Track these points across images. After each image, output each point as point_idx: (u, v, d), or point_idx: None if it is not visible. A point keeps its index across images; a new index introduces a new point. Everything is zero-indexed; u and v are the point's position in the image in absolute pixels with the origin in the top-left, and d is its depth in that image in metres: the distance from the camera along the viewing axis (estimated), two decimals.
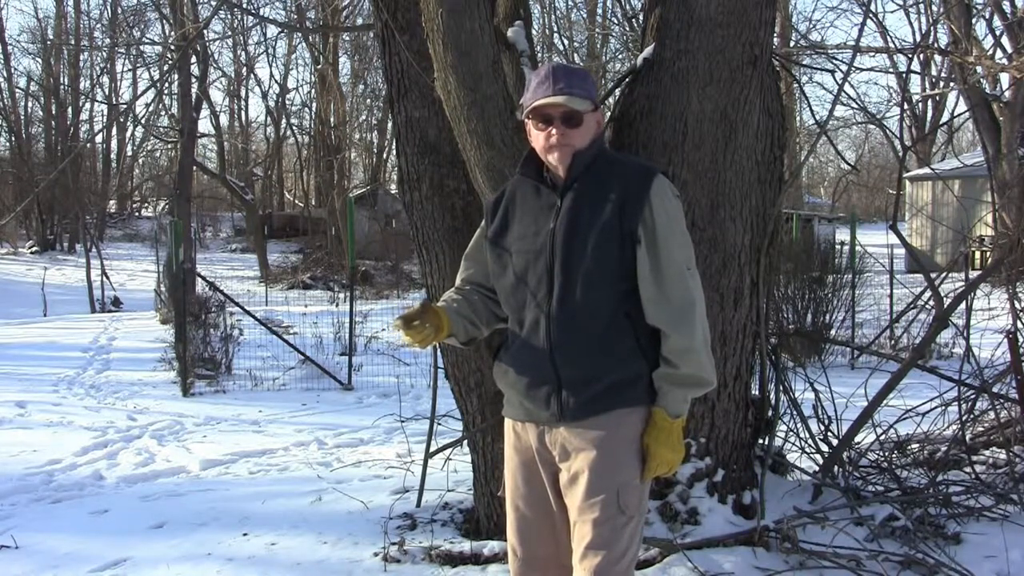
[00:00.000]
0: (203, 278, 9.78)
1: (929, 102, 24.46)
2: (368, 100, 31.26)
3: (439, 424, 4.25)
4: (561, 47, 23.26)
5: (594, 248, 2.12)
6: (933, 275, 4.32)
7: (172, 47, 18.79)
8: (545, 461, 2.23)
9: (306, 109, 33.29)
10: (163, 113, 29.28)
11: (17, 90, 31.57)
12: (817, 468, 3.90)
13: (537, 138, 2.20)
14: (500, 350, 2.30)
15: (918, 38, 19.92)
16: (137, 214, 38.90)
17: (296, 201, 39.97)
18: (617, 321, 2.13)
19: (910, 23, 35.75)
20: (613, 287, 2.13)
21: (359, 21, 22.64)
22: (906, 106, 22.84)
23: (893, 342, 8.60)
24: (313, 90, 30.02)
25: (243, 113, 40.43)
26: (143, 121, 30.77)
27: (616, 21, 20.35)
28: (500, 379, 2.29)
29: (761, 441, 3.65)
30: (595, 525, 2.11)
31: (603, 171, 2.19)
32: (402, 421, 5.42)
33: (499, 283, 2.28)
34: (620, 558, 2.11)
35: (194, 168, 22.21)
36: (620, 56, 19.59)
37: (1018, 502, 3.67)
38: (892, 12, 64.25)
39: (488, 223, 2.34)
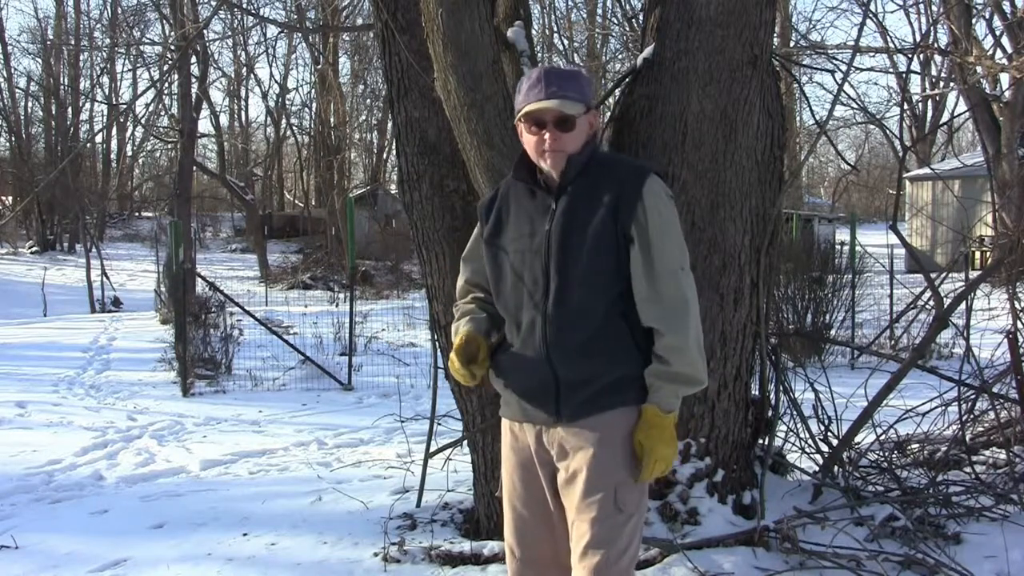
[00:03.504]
0: (203, 278, 9.78)
1: (929, 102, 24.46)
2: (368, 100, 31.31)
3: (439, 424, 4.25)
4: (561, 47, 23.29)
5: (589, 249, 2.12)
6: (933, 275, 4.32)
7: (172, 47, 18.81)
8: (543, 461, 2.23)
9: (306, 109, 33.33)
10: (163, 113, 29.32)
11: (17, 90, 31.59)
12: (817, 468, 3.90)
13: (530, 142, 2.19)
14: (496, 351, 2.29)
15: (918, 38, 19.91)
16: (137, 214, 38.88)
17: (296, 201, 39.98)
18: (613, 322, 2.13)
19: (910, 23, 35.76)
20: (609, 288, 2.13)
21: (359, 21, 22.65)
22: (906, 106, 22.84)
23: (893, 342, 8.60)
24: (313, 90, 30.04)
25: (243, 113, 40.46)
26: (143, 121, 30.80)
27: (616, 21, 20.38)
28: (496, 380, 2.29)
29: (761, 441, 3.65)
30: (593, 524, 2.11)
31: (597, 172, 2.19)
32: (402, 421, 5.43)
33: (495, 285, 2.28)
34: (620, 556, 2.11)
35: (194, 168, 22.20)
36: (620, 56, 19.61)
37: (1018, 502, 3.67)
38: (892, 12, 64.36)
39: (483, 224, 2.34)
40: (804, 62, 16.20)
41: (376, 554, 3.56)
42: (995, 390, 4.22)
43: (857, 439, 3.98)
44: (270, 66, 46.63)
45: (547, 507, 2.25)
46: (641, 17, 8.02)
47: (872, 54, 21.07)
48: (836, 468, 3.87)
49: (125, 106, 29.65)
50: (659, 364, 2.12)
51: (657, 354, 2.12)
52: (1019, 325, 4.22)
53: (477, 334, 2.28)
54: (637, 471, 2.13)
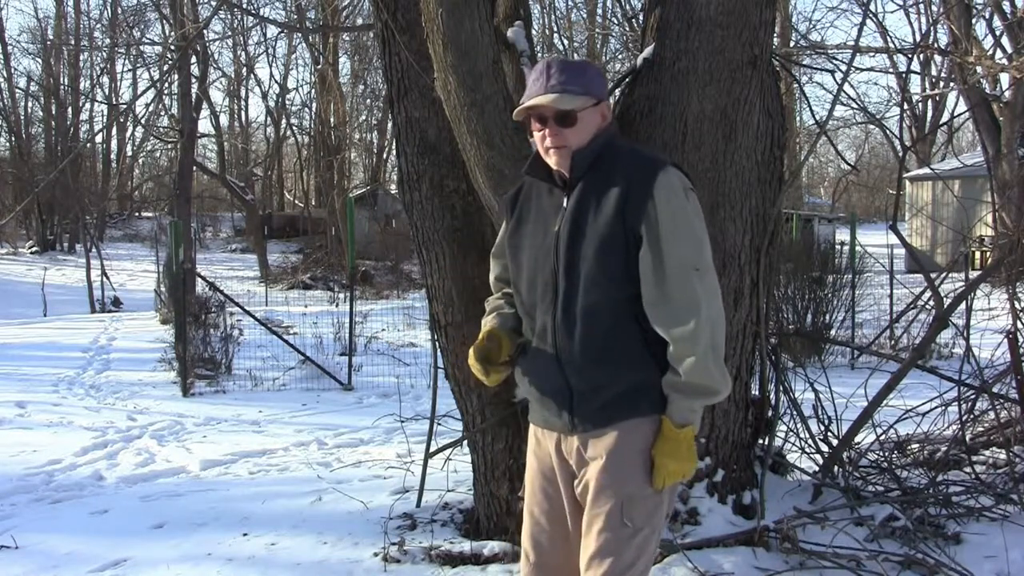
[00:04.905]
0: (203, 278, 9.78)
1: (929, 102, 24.47)
2: (368, 100, 31.30)
3: (439, 424, 4.25)
4: (561, 47, 23.27)
5: (597, 250, 2.04)
6: (933, 275, 4.32)
7: (172, 47, 18.81)
8: (563, 469, 2.18)
9: (306, 109, 33.32)
10: (163, 113, 29.36)
11: (17, 90, 31.60)
12: (817, 468, 3.90)
13: (536, 138, 2.14)
14: (521, 355, 2.23)
15: (918, 38, 19.92)
16: (137, 214, 38.89)
17: (296, 201, 39.96)
18: (624, 326, 2.05)
19: (910, 23, 35.79)
20: (618, 291, 2.04)
21: (359, 21, 22.65)
22: (906, 106, 22.84)
23: (893, 342, 8.60)
24: (313, 90, 30.02)
25: (243, 113, 40.44)
26: (143, 121, 30.82)
27: (616, 21, 20.39)
28: (521, 384, 2.24)
29: (761, 441, 3.65)
30: (599, 535, 2.06)
31: (609, 167, 2.09)
32: (402, 421, 5.42)
33: (515, 283, 2.24)
34: (627, 569, 2.04)
35: (194, 168, 22.20)
36: (620, 56, 19.62)
37: (1018, 502, 3.67)
38: (892, 12, 64.41)
39: (507, 220, 2.29)
40: (804, 62, 16.21)
41: (376, 554, 3.56)
42: (995, 390, 4.22)
43: (857, 439, 3.98)
44: (270, 66, 46.71)
45: (564, 517, 2.20)
46: (641, 17, 8.03)
47: (872, 54, 21.10)
48: (836, 468, 3.87)
49: (125, 106, 29.69)
50: (670, 374, 2.02)
51: (669, 363, 2.02)
52: (1019, 325, 4.22)
53: (500, 331, 2.22)
54: (648, 483, 2.05)
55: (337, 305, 14.38)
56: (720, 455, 3.40)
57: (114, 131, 35.32)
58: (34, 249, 28.94)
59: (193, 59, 19.99)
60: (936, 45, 16.60)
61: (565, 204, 2.13)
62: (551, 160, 2.13)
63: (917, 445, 4.31)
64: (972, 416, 4.27)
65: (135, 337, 12.15)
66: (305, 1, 24.91)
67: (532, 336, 2.18)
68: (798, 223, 13.23)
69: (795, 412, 3.99)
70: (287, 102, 33.23)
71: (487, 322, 2.29)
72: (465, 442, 3.88)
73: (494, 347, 2.19)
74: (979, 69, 13.97)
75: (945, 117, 22.60)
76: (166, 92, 26.36)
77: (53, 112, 31.54)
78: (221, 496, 4.71)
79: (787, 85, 13.44)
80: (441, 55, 2.98)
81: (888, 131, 20.99)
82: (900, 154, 5.89)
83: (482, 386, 3.49)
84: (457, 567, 3.40)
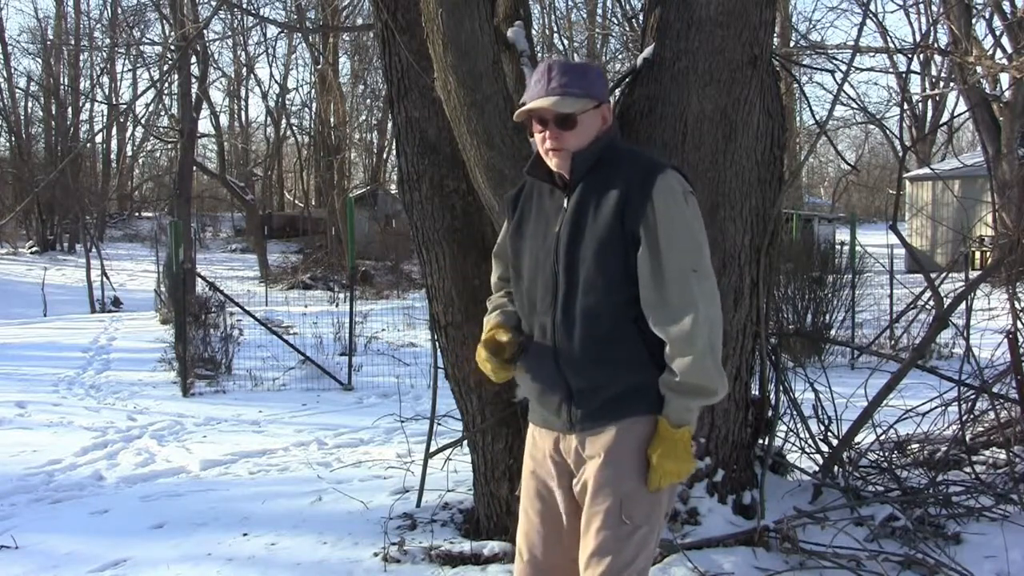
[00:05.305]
0: (203, 278, 9.78)
1: (929, 102, 24.47)
2: (368, 100, 31.29)
3: (439, 424, 4.25)
4: (561, 47, 23.28)
5: (596, 253, 2.06)
6: (933, 275, 4.32)
7: (172, 47, 18.83)
8: (560, 468, 2.19)
9: (306, 109, 33.31)
10: (163, 113, 29.32)
11: (17, 90, 31.59)
12: (817, 468, 3.90)
13: (537, 139, 2.15)
14: (521, 354, 2.24)
15: (918, 38, 19.92)
16: (137, 214, 38.88)
17: (296, 201, 39.96)
18: (623, 328, 2.06)
19: (910, 23, 35.79)
20: (618, 293, 2.05)
21: (359, 21, 22.66)
22: (906, 106, 22.85)
23: (893, 342, 8.60)
24: (313, 90, 30.01)
25: (243, 113, 40.36)
26: (143, 121, 30.79)
27: (616, 21, 20.39)
28: (521, 383, 2.25)
29: (761, 441, 3.65)
30: (598, 533, 2.07)
31: (609, 169, 2.10)
32: (402, 421, 5.42)
33: (515, 283, 2.25)
34: (625, 567, 2.05)
35: (194, 168, 22.19)
36: (620, 56, 19.61)
37: (1018, 502, 3.67)
38: (892, 12, 64.39)
39: (508, 219, 2.30)
40: (804, 62, 16.21)
41: (376, 554, 3.56)
42: (995, 390, 4.22)
43: (857, 439, 3.98)
44: (270, 66, 46.62)
45: (558, 513, 2.21)
46: (641, 17, 8.03)
47: (872, 54, 21.13)
48: (836, 468, 3.87)
49: (125, 106, 29.65)
50: (667, 374, 2.03)
51: (667, 363, 2.03)
52: (1019, 325, 4.22)
53: (506, 327, 2.24)
54: (646, 481, 2.06)
55: (337, 305, 14.38)
56: (720, 455, 3.40)
57: (114, 131, 35.33)
58: (34, 249, 28.93)
59: (193, 59, 19.99)
60: (936, 45, 16.60)
61: (565, 205, 2.14)
62: (551, 162, 2.14)
63: (917, 445, 4.32)
64: (972, 416, 4.27)
65: (135, 337, 12.15)
66: (305, 1, 24.92)
67: (531, 336, 2.19)
68: (798, 223, 13.21)
69: (795, 412, 3.99)
70: (287, 102, 33.25)
71: (492, 319, 2.31)
72: (465, 442, 3.88)
73: (501, 342, 2.20)
74: (979, 69, 13.97)
75: (945, 117, 22.60)
76: (166, 92, 26.36)
77: (53, 112, 31.52)
78: (221, 496, 4.72)
79: (787, 85, 13.45)
80: (441, 55, 2.99)
81: (888, 131, 21.03)
82: (900, 154, 5.90)
83: (482, 386, 3.52)
84: (457, 567, 3.40)
